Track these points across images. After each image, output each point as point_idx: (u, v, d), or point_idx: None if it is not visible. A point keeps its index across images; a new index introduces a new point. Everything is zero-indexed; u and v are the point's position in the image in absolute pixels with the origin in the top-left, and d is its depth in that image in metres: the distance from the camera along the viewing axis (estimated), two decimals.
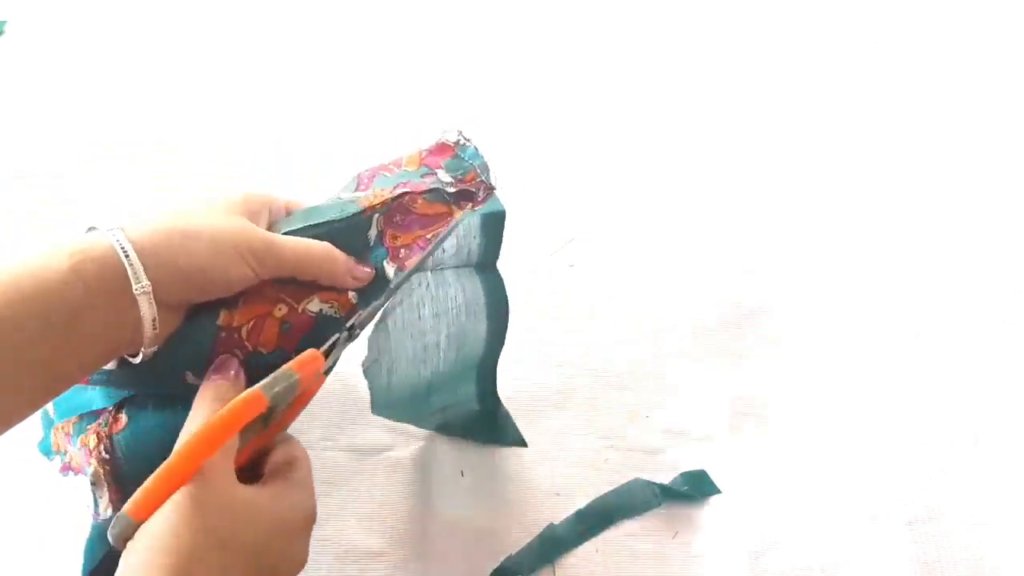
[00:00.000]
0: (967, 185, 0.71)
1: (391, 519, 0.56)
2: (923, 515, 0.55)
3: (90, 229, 0.42)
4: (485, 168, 0.54)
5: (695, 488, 0.56)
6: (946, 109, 0.76)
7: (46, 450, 0.54)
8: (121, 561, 0.38)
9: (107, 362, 0.44)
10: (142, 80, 0.80)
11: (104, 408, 0.50)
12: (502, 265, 0.57)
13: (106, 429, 0.48)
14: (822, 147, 0.74)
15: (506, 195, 0.66)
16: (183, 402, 0.48)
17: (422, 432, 0.59)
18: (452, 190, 0.53)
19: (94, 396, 0.52)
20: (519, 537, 0.55)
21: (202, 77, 0.81)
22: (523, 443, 0.59)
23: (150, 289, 0.41)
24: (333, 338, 0.48)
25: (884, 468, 0.57)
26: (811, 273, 0.66)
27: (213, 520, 0.39)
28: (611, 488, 0.57)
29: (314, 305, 0.49)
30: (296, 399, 0.45)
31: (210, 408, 0.43)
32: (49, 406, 0.55)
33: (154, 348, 0.43)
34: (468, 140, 0.55)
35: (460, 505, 0.56)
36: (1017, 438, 0.58)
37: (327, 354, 0.47)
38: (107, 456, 0.47)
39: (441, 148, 0.55)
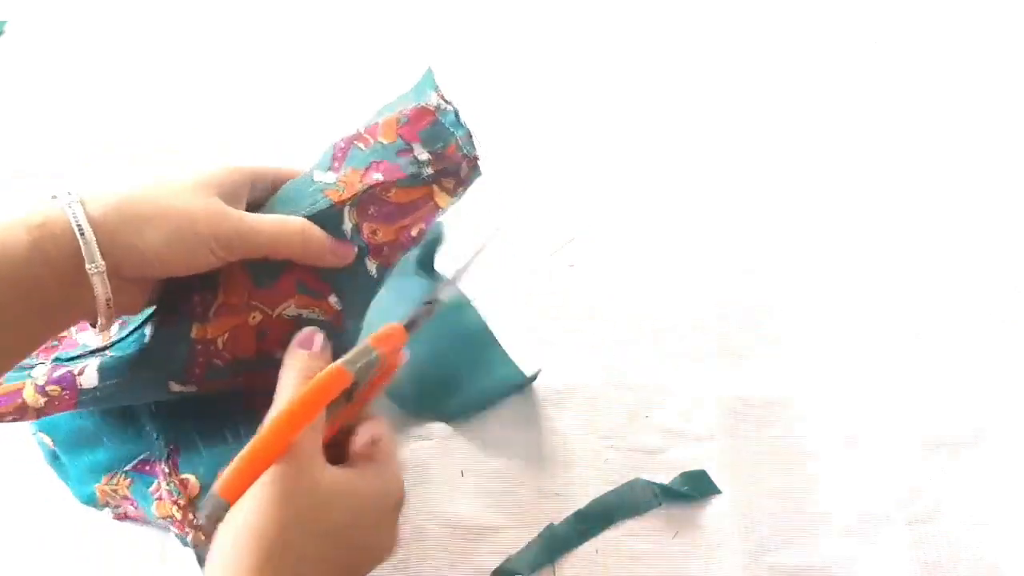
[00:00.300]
0: (967, 184, 0.71)
1: None
2: (923, 515, 0.55)
3: (53, 197, 0.42)
4: (468, 138, 0.50)
5: (695, 488, 0.56)
6: (946, 108, 0.76)
7: (90, 502, 0.54)
8: (214, 542, 0.39)
9: (72, 325, 0.44)
10: (142, 80, 0.80)
11: (144, 459, 0.50)
12: (504, 266, 0.57)
13: (181, 498, 0.48)
14: (822, 147, 0.74)
15: (506, 194, 0.67)
16: (231, 430, 0.48)
17: (421, 432, 0.59)
18: (430, 170, 0.49)
19: (97, 428, 0.51)
20: (519, 537, 0.55)
21: (202, 77, 0.81)
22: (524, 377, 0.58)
23: (103, 269, 0.41)
24: (414, 312, 0.46)
25: (884, 468, 0.57)
26: (811, 273, 0.66)
27: (302, 502, 0.39)
28: (611, 488, 0.57)
29: (291, 310, 0.47)
30: (378, 375, 0.45)
31: (295, 384, 0.43)
32: (47, 439, 0.54)
33: (115, 321, 0.43)
34: (449, 104, 0.50)
35: (459, 505, 0.56)
36: (1018, 438, 0.58)
37: (409, 328, 0.45)
38: (200, 522, 0.46)
39: (420, 114, 0.50)
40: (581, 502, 0.56)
